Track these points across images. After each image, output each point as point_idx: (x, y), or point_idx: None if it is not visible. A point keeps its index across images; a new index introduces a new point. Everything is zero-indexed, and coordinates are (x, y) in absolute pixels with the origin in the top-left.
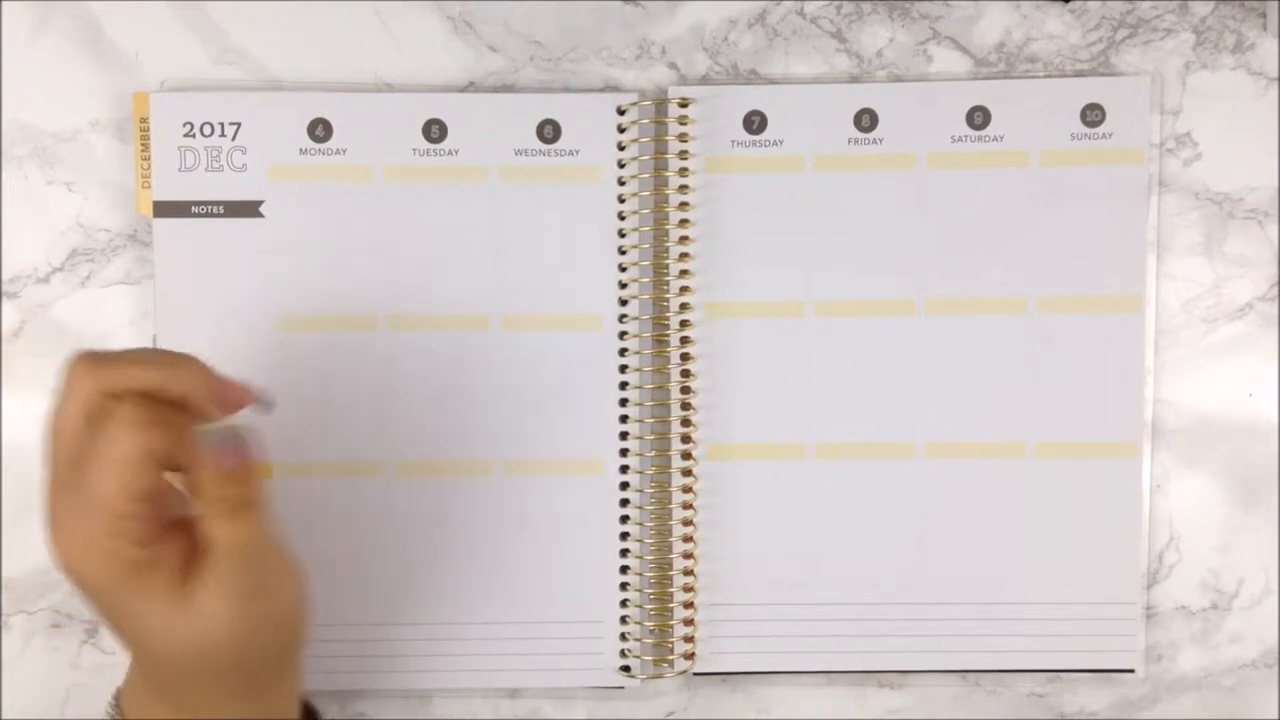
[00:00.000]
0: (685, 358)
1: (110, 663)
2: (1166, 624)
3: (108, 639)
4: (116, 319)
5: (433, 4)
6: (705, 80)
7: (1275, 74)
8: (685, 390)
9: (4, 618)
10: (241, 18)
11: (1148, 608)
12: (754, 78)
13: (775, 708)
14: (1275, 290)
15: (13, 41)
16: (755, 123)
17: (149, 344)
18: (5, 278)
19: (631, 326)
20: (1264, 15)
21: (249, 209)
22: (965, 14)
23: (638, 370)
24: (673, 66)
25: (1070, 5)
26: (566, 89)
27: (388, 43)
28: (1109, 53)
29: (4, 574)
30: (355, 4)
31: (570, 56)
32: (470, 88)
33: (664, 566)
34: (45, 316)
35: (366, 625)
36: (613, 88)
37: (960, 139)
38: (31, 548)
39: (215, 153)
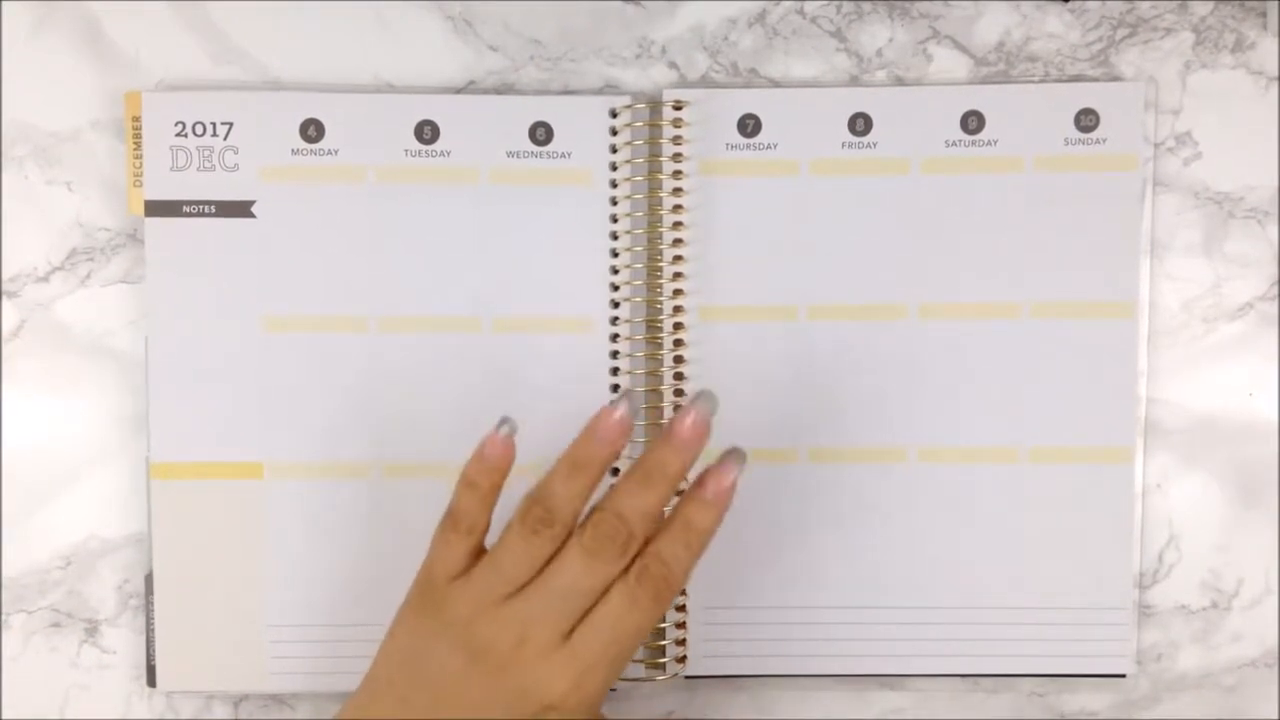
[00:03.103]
0: (678, 360)
1: (110, 663)
2: (1166, 623)
3: (108, 638)
4: (116, 318)
5: (432, 4)
6: (705, 80)
7: (1275, 74)
8: (678, 394)
9: (4, 618)
10: (241, 18)
11: (1147, 608)
12: (754, 77)
13: (774, 707)
14: (1275, 290)
15: (13, 41)
16: (749, 126)
17: (142, 343)
18: (5, 277)
19: (624, 329)
20: (1264, 15)
21: (240, 209)
22: (965, 14)
23: (630, 373)
24: (673, 66)
25: (1070, 5)
26: (566, 88)
27: (387, 42)
28: (1109, 52)
29: (4, 574)
30: (355, 4)
31: (570, 56)
32: (470, 87)
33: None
34: (45, 316)
35: (353, 626)
36: (612, 87)
37: (954, 144)
38: (31, 547)
39: (207, 152)
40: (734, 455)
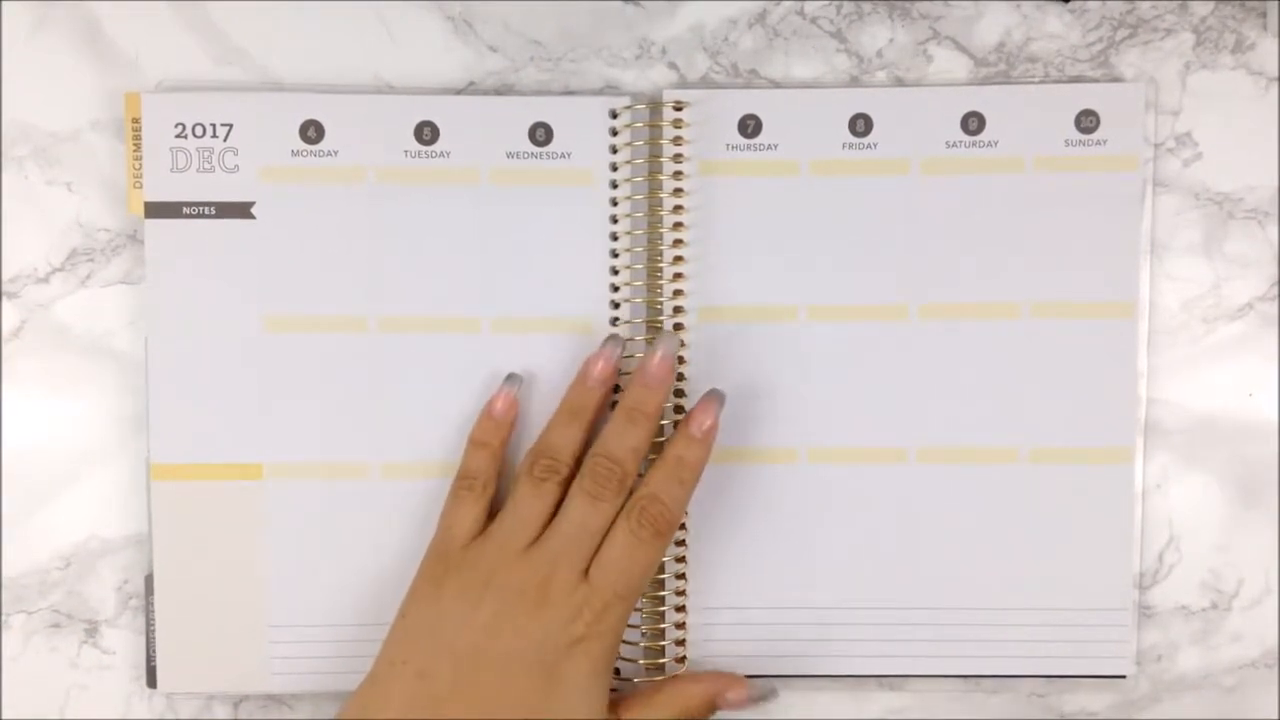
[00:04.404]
0: (679, 361)
1: (110, 663)
2: (1166, 624)
3: (108, 639)
4: (116, 319)
5: (433, 4)
6: (705, 80)
7: (1275, 74)
8: (679, 394)
9: (4, 618)
10: (241, 18)
11: (1147, 608)
12: (754, 78)
13: (775, 707)
14: (1275, 290)
15: (13, 41)
16: (750, 126)
17: (141, 345)
18: (5, 278)
19: (624, 330)
20: (1264, 15)
21: (240, 210)
22: (965, 14)
23: (630, 374)
24: (673, 67)
25: (1070, 5)
26: (566, 89)
27: (387, 43)
28: (1109, 53)
29: (4, 574)
30: (355, 4)
31: (570, 56)
32: (470, 88)
33: (656, 571)
34: (45, 316)
35: (353, 626)
36: (613, 87)
37: (955, 144)
38: (31, 548)
39: (207, 153)
40: (714, 394)
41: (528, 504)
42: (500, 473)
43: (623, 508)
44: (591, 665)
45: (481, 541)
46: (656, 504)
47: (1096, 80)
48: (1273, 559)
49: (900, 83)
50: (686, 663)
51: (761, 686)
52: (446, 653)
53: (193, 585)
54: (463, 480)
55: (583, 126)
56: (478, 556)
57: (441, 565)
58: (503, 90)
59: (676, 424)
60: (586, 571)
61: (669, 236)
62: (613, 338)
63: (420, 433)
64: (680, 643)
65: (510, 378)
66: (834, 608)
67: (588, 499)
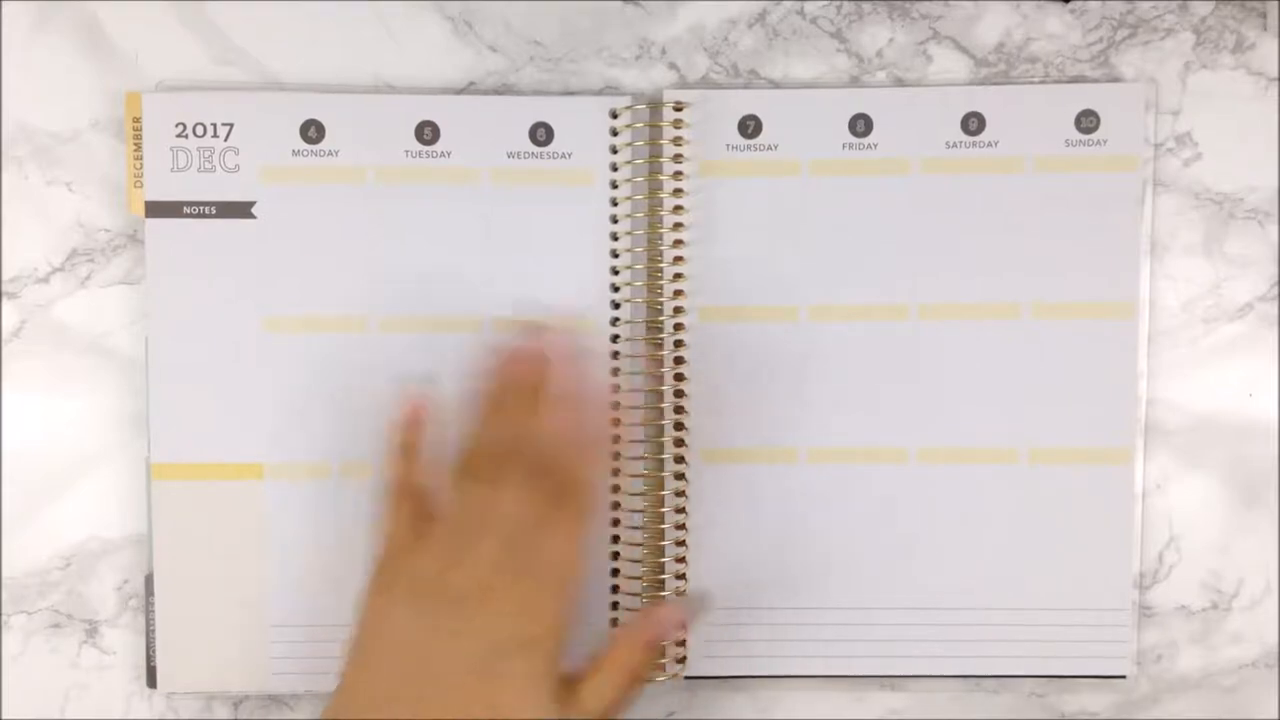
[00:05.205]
0: (678, 361)
1: (110, 663)
2: (1166, 624)
3: (108, 639)
4: (116, 319)
5: (433, 4)
6: (705, 80)
7: (1275, 74)
8: (678, 394)
9: (4, 618)
10: (242, 18)
11: (1147, 608)
12: (754, 78)
13: (775, 707)
14: (1275, 290)
15: (13, 41)
16: (750, 127)
17: (141, 345)
18: (5, 278)
19: (624, 330)
20: (1264, 15)
21: (241, 210)
22: (965, 14)
23: (630, 374)
24: (673, 67)
25: (1070, 5)
26: (566, 89)
27: (387, 43)
28: (1109, 53)
29: (4, 574)
30: (355, 4)
31: (570, 57)
32: (470, 88)
33: (656, 570)
34: (45, 316)
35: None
36: (613, 88)
37: (955, 145)
38: (31, 548)
39: (208, 153)
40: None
41: (460, 506)
42: (420, 469)
43: (551, 501)
44: (531, 666)
45: (424, 547)
46: (572, 486)
47: (1096, 80)
48: (1273, 559)
49: (900, 83)
50: (687, 664)
51: (692, 600)
52: (392, 659)
53: (193, 585)
54: (390, 490)
55: (583, 126)
56: (420, 561)
57: (389, 574)
58: (503, 90)
59: (675, 421)
60: (521, 570)
61: (669, 236)
62: (530, 325)
63: None
64: (680, 643)
65: (419, 379)
66: (834, 607)
67: (515, 489)
